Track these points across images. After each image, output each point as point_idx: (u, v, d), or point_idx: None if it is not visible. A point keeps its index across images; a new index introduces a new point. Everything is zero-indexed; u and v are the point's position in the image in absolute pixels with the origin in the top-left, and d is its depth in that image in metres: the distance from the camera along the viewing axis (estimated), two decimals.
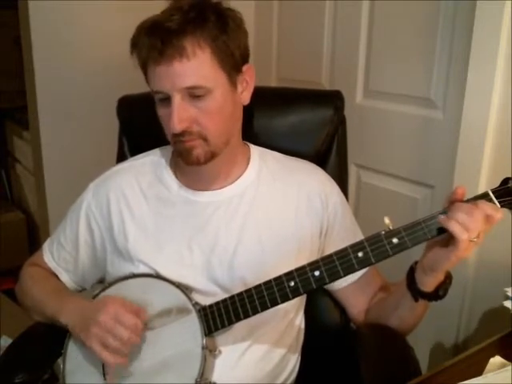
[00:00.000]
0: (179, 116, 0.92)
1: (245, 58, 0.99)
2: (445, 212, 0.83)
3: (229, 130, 1.00)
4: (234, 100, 0.99)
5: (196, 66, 0.91)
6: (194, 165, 0.98)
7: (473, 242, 0.81)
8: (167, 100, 0.93)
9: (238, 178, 1.06)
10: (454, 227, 0.80)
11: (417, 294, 0.92)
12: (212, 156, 0.98)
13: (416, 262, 0.92)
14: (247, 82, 1.00)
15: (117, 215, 1.05)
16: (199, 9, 0.92)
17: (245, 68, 0.99)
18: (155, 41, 0.90)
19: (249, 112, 1.17)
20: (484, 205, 0.81)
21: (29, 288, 1.11)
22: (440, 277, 0.90)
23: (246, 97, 1.01)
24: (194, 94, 0.92)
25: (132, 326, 0.89)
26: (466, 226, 0.80)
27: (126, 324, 0.89)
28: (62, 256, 1.12)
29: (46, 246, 1.15)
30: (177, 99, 0.91)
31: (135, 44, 0.94)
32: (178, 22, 0.90)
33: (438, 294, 0.92)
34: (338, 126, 1.23)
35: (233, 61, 0.95)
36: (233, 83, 0.97)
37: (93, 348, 0.91)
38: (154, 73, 0.93)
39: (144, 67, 0.95)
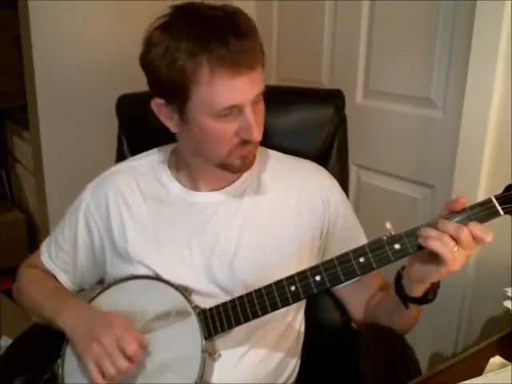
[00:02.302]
0: (257, 123, 0.90)
1: None
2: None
3: None
4: None
5: (261, 70, 0.90)
6: (243, 172, 0.99)
7: (459, 253, 0.78)
8: (230, 114, 0.89)
9: (238, 178, 1.05)
10: (437, 247, 0.78)
11: (406, 299, 0.91)
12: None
13: (403, 268, 0.90)
14: None
15: (116, 216, 1.05)
16: (234, 11, 0.88)
17: None
18: (229, 47, 0.84)
19: None
20: (474, 226, 0.78)
21: (26, 289, 1.10)
22: (427, 285, 0.88)
23: None
24: (257, 100, 0.91)
25: (132, 355, 0.88)
26: (450, 245, 0.77)
27: (127, 353, 0.88)
28: (60, 257, 1.11)
29: (43, 247, 1.14)
30: (249, 108, 0.89)
31: (193, 55, 0.85)
32: (243, 25, 0.86)
33: (427, 298, 0.90)
34: (339, 125, 1.23)
35: (263, 62, 0.94)
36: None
37: (87, 364, 0.90)
38: (225, 87, 0.86)
39: (207, 85, 0.86)
